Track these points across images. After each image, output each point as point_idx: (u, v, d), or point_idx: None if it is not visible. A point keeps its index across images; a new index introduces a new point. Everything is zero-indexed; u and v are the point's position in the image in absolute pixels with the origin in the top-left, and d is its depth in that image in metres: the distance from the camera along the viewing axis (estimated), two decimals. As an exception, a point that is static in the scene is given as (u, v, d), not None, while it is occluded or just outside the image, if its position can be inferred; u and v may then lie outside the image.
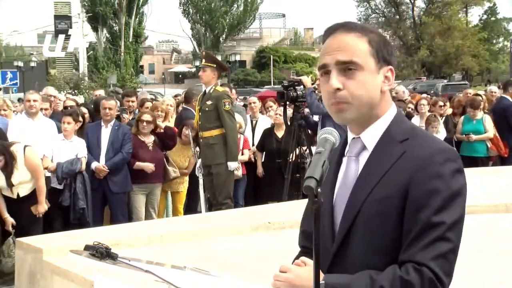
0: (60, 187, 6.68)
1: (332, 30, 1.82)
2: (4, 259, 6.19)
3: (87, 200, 6.66)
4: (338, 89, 1.74)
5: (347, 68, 1.74)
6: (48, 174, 6.84)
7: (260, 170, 8.38)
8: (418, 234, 1.65)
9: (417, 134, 1.77)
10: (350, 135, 1.86)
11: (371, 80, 1.76)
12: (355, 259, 1.74)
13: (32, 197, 6.23)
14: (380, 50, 1.78)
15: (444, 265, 1.63)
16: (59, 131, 7.05)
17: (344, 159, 1.86)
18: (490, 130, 9.15)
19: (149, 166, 7.06)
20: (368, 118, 1.79)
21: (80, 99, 19.75)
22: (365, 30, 1.80)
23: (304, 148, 7.55)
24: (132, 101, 8.55)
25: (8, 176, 5.98)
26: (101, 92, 10.50)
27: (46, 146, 6.82)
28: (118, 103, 7.71)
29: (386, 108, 1.81)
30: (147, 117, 7.25)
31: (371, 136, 1.80)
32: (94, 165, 6.92)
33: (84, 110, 7.75)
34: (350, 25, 1.82)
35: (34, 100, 7.04)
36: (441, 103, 9.58)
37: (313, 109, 7.30)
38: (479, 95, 10.39)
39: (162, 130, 7.34)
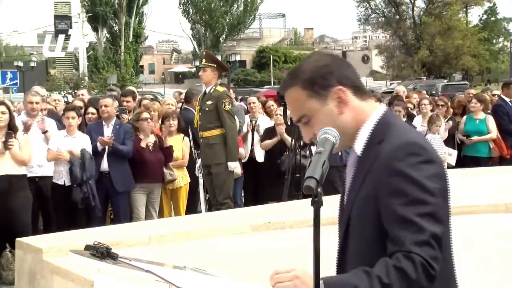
0: (61, 182, 6.70)
1: (282, 88, 1.98)
2: (5, 273, 6.21)
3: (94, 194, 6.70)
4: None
5: (303, 121, 1.89)
6: (49, 174, 6.85)
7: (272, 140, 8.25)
8: (395, 229, 1.70)
9: (390, 132, 1.82)
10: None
11: (324, 115, 1.85)
12: (351, 255, 1.86)
13: (22, 184, 6.36)
14: (315, 84, 1.85)
15: (430, 251, 1.67)
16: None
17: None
18: (494, 130, 9.13)
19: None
20: (350, 137, 1.88)
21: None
22: (297, 76, 1.89)
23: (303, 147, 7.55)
24: (128, 101, 8.53)
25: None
26: (83, 92, 10.43)
27: (50, 141, 6.87)
28: (117, 102, 7.70)
29: (364, 118, 1.87)
30: (147, 115, 7.26)
31: (360, 144, 1.88)
32: (99, 140, 6.86)
33: (93, 110, 7.72)
34: (287, 79, 1.93)
35: (37, 103, 7.16)
36: (441, 103, 9.58)
37: None
38: (484, 95, 10.37)
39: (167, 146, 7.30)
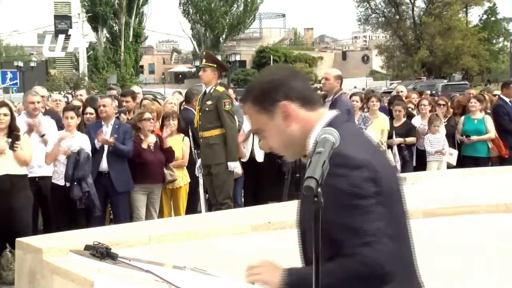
0: (60, 183, 6.69)
1: (241, 102, 2.17)
2: (5, 273, 6.21)
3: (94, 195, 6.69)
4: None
5: (259, 134, 2.08)
6: (50, 174, 6.85)
7: None
8: (336, 234, 1.82)
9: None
10: None
11: (274, 128, 2.00)
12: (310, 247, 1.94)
13: (23, 184, 6.36)
14: (263, 100, 1.99)
15: (372, 253, 1.78)
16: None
17: None
18: (492, 130, 9.14)
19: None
20: (301, 146, 2.01)
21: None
22: (249, 93, 2.06)
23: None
24: (127, 101, 8.52)
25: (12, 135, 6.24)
26: (82, 92, 10.42)
27: (48, 144, 6.87)
28: (116, 102, 7.69)
29: (310, 128, 1.98)
30: (149, 115, 7.26)
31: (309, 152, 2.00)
32: (98, 140, 6.85)
33: (91, 110, 7.71)
34: (244, 94, 2.10)
35: (38, 102, 7.21)
36: (442, 102, 9.59)
37: None
38: (483, 95, 10.37)
39: (167, 146, 7.29)
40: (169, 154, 7.27)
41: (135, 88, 10.85)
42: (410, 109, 9.71)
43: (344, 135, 1.85)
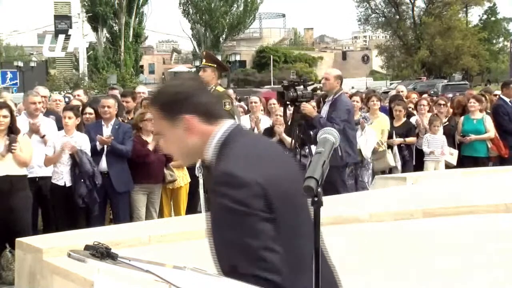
0: (61, 183, 6.69)
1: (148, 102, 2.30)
2: (5, 273, 6.22)
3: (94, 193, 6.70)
4: None
5: (159, 137, 2.24)
6: (50, 174, 6.86)
7: None
8: (227, 251, 1.91)
9: (221, 156, 2.01)
10: None
11: (174, 137, 2.09)
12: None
13: (23, 184, 6.39)
14: (169, 109, 2.07)
15: (261, 264, 1.84)
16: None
17: None
18: (491, 130, 9.14)
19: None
20: (199, 156, 2.11)
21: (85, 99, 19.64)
22: (157, 97, 2.14)
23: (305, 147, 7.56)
24: (127, 101, 8.52)
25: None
26: (79, 92, 10.38)
27: (47, 145, 6.87)
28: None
29: (207, 139, 2.06)
30: (150, 115, 7.26)
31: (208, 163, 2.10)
32: (98, 139, 6.86)
33: (90, 110, 7.71)
34: (152, 95, 2.22)
35: (39, 102, 7.26)
36: (442, 102, 9.60)
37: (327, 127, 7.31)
38: (484, 95, 10.38)
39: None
40: (166, 156, 7.27)
41: (141, 88, 10.82)
42: (410, 109, 9.72)
43: (235, 152, 1.97)
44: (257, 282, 1.80)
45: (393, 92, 12.31)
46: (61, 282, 4.04)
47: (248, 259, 1.85)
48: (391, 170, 8.89)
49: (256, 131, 8.61)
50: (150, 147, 7.12)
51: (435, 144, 8.78)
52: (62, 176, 6.70)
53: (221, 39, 55.46)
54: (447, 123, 9.30)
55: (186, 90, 2.09)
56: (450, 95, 14.25)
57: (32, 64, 46.67)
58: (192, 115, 2.05)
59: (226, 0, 53.96)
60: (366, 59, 64.60)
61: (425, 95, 13.11)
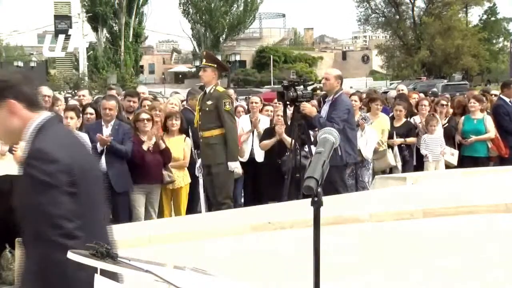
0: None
1: None
2: (4, 273, 6.20)
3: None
4: None
5: None
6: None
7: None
8: (31, 216, 2.47)
9: (36, 138, 2.42)
10: None
11: None
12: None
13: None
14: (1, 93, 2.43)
15: (59, 231, 2.29)
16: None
17: None
18: (492, 130, 9.13)
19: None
20: (18, 137, 2.49)
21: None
22: None
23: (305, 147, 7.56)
24: (134, 102, 8.51)
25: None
26: (84, 93, 10.37)
27: None
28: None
29: (27, 123, 2.44)
30: (145, 115, 7.25)
31: (24, 142, 2.48)
32: (97, 138, 6.82)
33: (91, 110, 7.70)
34: None
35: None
36: (443, 102, 9.59)
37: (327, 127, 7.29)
38: (485, 95, 10.37)
39: (163, 147, 7.26)
40: (165, 155, 7.25)
41: (142, 88, 10.80)
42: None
43: (49, 135, 2.40)
44: (55, 246, 2.24)
45: (393, 92, 12.31)
46: (61, 282, 4.03)
47: (48, 225, 2.28)
48: (391, 170, 8.89)
49: (255, 131, 8.61)
50: (145, 147, 7.10)
51: (434, 143, 8.77)
52: None
53: (221, 39, 55.49)
54: (446, 123, 9.29)
55: (12, 80, 2.47)
56: (447, 95, 14.23)
57: (32, 64, 46.69)
58: (15, 101, 2.42)
59: (226, 0, 53.97)
60: (366, 59, 64.59)
61: (421, 95, 13.11)
